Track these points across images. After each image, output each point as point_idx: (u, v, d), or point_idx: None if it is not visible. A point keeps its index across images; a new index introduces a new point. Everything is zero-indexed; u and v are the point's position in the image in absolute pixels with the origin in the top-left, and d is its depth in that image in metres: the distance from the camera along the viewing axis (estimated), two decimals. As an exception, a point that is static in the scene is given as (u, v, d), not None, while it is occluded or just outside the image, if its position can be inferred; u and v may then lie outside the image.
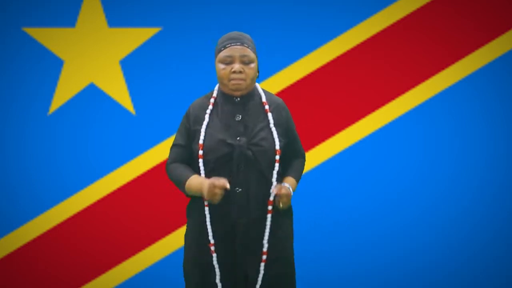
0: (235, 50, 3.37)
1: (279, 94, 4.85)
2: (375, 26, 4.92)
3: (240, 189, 3.35)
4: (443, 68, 4.93)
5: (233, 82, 3.37)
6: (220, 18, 4.89)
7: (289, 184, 3.44)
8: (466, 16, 4.92)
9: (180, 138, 3.48)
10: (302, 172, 3.58)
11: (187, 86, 4.91)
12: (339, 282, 4.94)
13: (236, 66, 3.37)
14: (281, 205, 3.38)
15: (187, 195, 3.48)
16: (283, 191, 3.36)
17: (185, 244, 3.51)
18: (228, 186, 3.25)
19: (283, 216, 3.47)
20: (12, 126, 4.94)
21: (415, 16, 4.92)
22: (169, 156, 3.52)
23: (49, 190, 4.93)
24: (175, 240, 4.92)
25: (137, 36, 4.93)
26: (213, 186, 3.26)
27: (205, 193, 3.29)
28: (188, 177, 3.41)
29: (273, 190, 3.37)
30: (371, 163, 4.95)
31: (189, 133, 3.45)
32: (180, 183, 3.43)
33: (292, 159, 3.55)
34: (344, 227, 4.94)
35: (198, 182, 3.36)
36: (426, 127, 4.95)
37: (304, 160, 3.61)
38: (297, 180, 3.53)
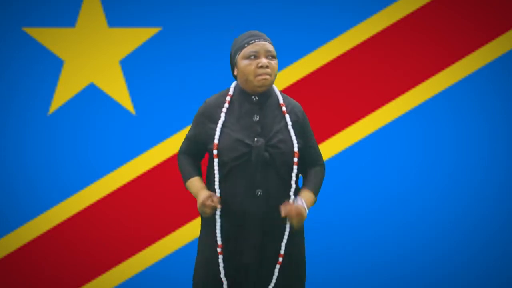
0: (260, 45, 3.31)
1: (279, 94, 4.84)
2: (375, 26, 4.92)
3: (260, 192, 3.30)
4: (443, 68, 4.93)
5: (259, 78, 3.30)
6: (220, 18, 4.89)
7: (304, 200, 3.36)
8: (466, 16, 4.92)
9: (192, 132, 3.43)
10: (321, 182, 3.48)
11: (187, 86, 4.91)
12: (339, 282, 4.93)
13: (264, 61, 3.30)
14: (294, 226, 3.33)
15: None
16: (293, 211, 3.28)
17: (198, 243, 3.48)
18: (219, 206, 3.25)
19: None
20: (12, 126, 4.94)
21: (415, 16, 4.92)
22: (181, 144, 3.49)
23: (49, 190, 4.93)
24: (175, 240, 4.91)
25: (137, 36, 4.93)
26: (203, 206, 3.26)
27: (198, 206, 3.30)
28: (190, 177, 3.40)
29: (282, 211, 3.27)
30: (371, 163, 4.95)
31: (199, 130, 3.39)
32: (183, 180, 3.43)
33: (310, 168, 3.46)
34: (344, 227, 4.94)
35: (196, 190, 3.36)
36: (426, 127, 4.95)
37: (324, 169, 3.50)
38: (316, 193, 3.44)
